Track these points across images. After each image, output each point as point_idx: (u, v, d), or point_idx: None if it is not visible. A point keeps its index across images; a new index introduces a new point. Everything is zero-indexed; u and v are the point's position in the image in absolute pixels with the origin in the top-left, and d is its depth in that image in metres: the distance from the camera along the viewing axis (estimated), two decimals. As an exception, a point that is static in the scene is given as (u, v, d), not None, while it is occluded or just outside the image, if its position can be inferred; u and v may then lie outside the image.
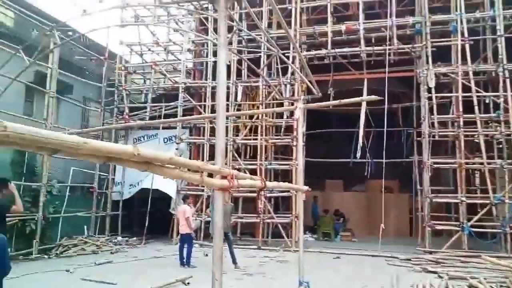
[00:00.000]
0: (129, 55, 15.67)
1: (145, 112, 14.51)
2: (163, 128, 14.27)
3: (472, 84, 11.40)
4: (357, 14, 12.88)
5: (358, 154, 12.87)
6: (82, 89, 14.46)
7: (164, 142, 13.97)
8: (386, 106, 11.55)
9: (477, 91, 11.51)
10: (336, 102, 9.08)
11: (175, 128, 13.74)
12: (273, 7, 7.54)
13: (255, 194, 11.52)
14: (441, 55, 12.22)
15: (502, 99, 11.17)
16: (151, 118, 14.19)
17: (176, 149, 13.03)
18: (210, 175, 3.10)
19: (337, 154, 15.63)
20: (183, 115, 13.57)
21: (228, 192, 3.05)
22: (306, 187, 5.91)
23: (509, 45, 11.44)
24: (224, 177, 2.96)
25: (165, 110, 14.09)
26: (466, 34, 11.67)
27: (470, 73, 11.46)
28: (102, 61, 14.50)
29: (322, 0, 13.44)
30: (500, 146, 11.60)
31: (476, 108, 11.34)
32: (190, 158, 13.51)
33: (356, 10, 13.15)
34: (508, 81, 11.17)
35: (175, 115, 13.60)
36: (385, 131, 11.52)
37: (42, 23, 12.13)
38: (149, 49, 15.46)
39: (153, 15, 15.37)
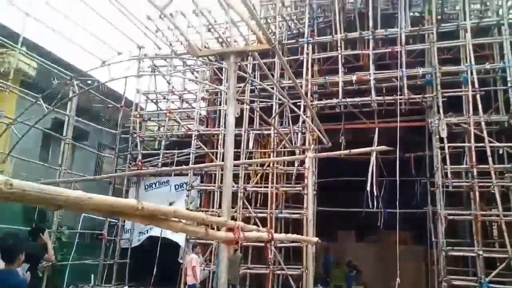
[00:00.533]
0: (145, 103, 16.10)
1: (158, 158, 14.68)
2: (175, 175, 14.36)
3: (485, 134, 11.32)
4: (368, 65, 13.12)
5: (370, 204, 12.65)
6: (97, 136, 14.79)
7: (175, 189, 14.01)
8: (398, 155, 11.51)
9: (490, 141, 11.41)
10: (346, 151, 9.17)
11: (186, 175, 13.81)
12: (281, 62, 7.73)
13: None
14: (453, 104, 12.26)
15: (516, 150, 11.05)
16: (164, 164, 14.32)
17: (187, 196, 13.02)
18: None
19: (349, 204, 15.38)
20: (195, 162, 13.68)
21: (234, 245, 3.02)
22: (316, 239, 5.80)
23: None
24: (230, 230, 2.93)
25: (177, 157, 14.24)
26: (476, 85, 11.76)
27: (482, 123, 11.43)
28: (119, 108, 14.91)
29: (333, 51, 13.78)
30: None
31: (490, 158, 11.20)
32: (200, 206, 13.47)
33: (366, 61, 13.42)
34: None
35: (187, 162, 13.71)
36: (397, 180, 11.41)
37: (62, 72, 12.65)
38: (164, 98, 15.90)
39: (169, 65, 15.94)
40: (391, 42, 13.41)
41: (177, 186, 14.09)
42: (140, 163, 14.49)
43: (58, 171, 11.62)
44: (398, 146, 11.48)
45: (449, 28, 13.01)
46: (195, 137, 14.02)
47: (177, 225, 2.42)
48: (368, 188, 12.37)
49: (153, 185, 14.38)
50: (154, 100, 16.04)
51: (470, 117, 11.59)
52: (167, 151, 14.66)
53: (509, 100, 11.44)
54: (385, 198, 13.12)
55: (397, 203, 11.19)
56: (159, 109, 16.21)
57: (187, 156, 14.07)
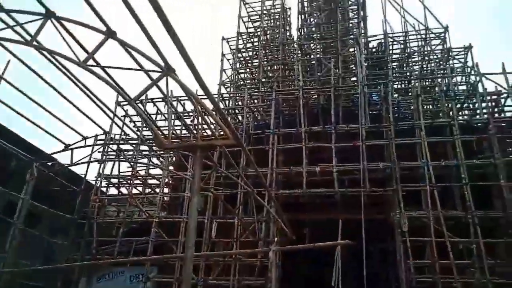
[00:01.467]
0: (106, 187, 15.69)
1: (114, 246, 13.93)
2: (131, 264, 13.56)
3: (444, 230, 11.57)
4: (331, 157, 13.55)
5: None
6: (52, 220, 14.03)
7: (130, 281, 13.11)
8: (364, 247, 11.47)
9: (450, 237, 11.63)
10: (310, 245, 9.07)
11: (143, 265, 13.08)
12: (247, 155, 7.86)
13: None
14: (413, 198, 12.63)
15: (474, 246, 11.27)
16: (120, 253, 13.58)
17: (142, 288, 12.22)
18: None
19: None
20: (155, 251, 13.07)
21: None
22: None
23: (478, 192, 12.00)
24: None
25: (136, 245, 13.58)
26: (433, 181, 12.28)
27: (441, 218, 11.73)
28: (77, 192, 14.41)
29: (297, 143, 14.23)
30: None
31: (450, 254, 11.32)
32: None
33: (330, 153, 13.87)
34: (478, 228, 11.43)
35: (146, 251, 13.07)
36: (364, 274, 11.25)
37: (22, 154, 12.30)
38: (127, 182, 15.58)
39: (136, 150, 15.88)
40: (352, 136, 14.06)
41: (132, 278, 13.21)
42: (94, 251, 13.67)
43: (5, 258, 10.79)
44: (363, 239, 11.51)
45: (405, 127, 13.86)
46: (156, 225, 13.55)
47: None
48: (336, 286, 12.05)
49: (107, 276, 13.41)
50: (116, 185, 15.68)
51: (429, 212, 11.91)
52: (124, 239, 13.98)
53: (465, 196, 11.92)
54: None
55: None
56: (120, 193, 15.78)
57: (146, 244, 13.45)
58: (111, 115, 14.99)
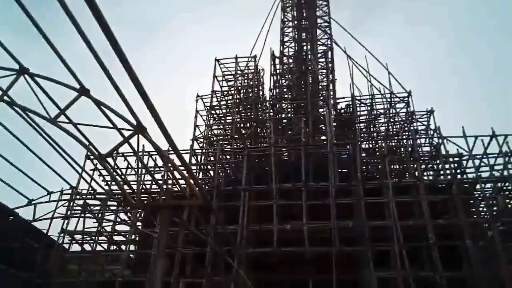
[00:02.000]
0: (69, 243, 15.03)
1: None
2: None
3: (413, 290, 11.56)
4: (302, 215, 13.57)
5: None
6: (8, 280, 13.17)
7: None
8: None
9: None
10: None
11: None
12: (214, 215, 7.83)
13: None
14: (383, 257, 12.65)
15: (443, 307, 11.26)
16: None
17: None
18: None
19: None
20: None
21: None
22: None
23: (446, 251, 12.17)
24: None
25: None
26: (401, 240, 12.42)
27: (410, 279, 11.75)
28: (37, 248, 13.73)
29: (268, 200, 14.26)
30: None
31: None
32: None
33: (300, 210, 13.92)
34: (446, 288, 11.50)
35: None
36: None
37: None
38: (92, 239, 14.99)
39: (103, 205, 15.47)
40: (322, 194, 14.23)
41: None
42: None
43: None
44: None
45: (373, 186, 14.18)
46: (119, 284, 12.93)
47: None
48: None
49: None
50: (80, 241, 15.05)
51: (398, 272, 11.93)
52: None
53: (433, 256, 12.06)
54: None
55: None
56: (83, 250, 15.11)
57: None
58: (79, 169, 14.70)
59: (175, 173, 7.66)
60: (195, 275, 13.09)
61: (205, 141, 19.85)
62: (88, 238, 15.07)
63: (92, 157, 15.97)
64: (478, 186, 13.98)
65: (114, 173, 15.89)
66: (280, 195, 14.35)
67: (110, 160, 15.88)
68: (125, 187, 14.29)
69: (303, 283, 12.96)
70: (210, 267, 12.84)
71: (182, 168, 6.73)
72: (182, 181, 10.80)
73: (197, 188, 6.34)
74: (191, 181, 6.21)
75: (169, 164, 6.45)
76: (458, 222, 12.64)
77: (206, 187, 15.96)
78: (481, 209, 14.65)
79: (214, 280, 12.27)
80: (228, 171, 17.42)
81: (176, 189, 13.61)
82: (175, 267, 12.81)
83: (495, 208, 13.80)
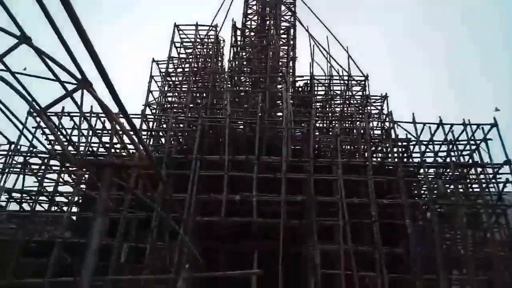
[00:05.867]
0: (6, 201, 14.24)
1: (7, 268, 12.46)
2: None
3: (353, 263, 12.01)
4: (252, 187, 13.61)
5: None
6: None
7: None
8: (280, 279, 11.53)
9: (358, 270, 12.06)
10: (221, 274, 8.87)
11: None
12: (160, 178, 7.58)
13: None
14: (327, 232, 13.02)
15: (379, 280, 11.80)
16: (17, 274, 12.18)
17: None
18: None
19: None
20: (57, 273, 11.89)
21: None
22: None
23: (385, 228, 12.70)
24: None
25: (35, 266, 12.28)
26: (346, 216, 12.81)
27: (351, 252, 12.19)
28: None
29: (219, 170, 14.14)
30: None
31: (357, 286, 11.72)
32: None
33: (251, 183, 13.94)
34: (384, 263, 12.05)
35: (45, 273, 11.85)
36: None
37: None
38: (31, 198, 14.25)
39: (44, 164, 14.70)
40: (274, 168, 14.32)
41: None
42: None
43: None
44: (280, 269, 11.56)
45: (324, 163, 14.44)
46: (59, 245, 12.43)
47: None
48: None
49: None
50: (19, 200, 14.29)
51: (340, 246, 12.33)
52: (23, 259, 12.59)
53: (374, 232, 12.56)
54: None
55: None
56: (22, 210, 14.37)
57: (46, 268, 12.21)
58: (20, 126, 13.81)
59: (123, 137, 7.30)
60: (139, 241, 12.84)
61: (158, 108, 19.31)
62: (28, 198, 14.33)
63: (34, 114, 15.09)
64: (421, 171, 14.64)
65: (58, 132, 15.14)
66: (232, 167, 14.28)
67: (55, 119, 15.10)
68: (70, 148, 13.67)
69: (249, 253, 13.07)
70: (155, 233, 12.62)
71: (127, 127, 6.45)
72: (129, 145, 10.45)
73: (141, 147, 6.07)
74: (135, 138, 5.93)
75: (114, 123, 6.12)
76: (400, 202, 13.18)
77: (157, 153, 15.58)
78: (422, 191, 15.36)
79: (158, 246, 12.08)
80: (181, 140, 17.06)
81: (124, 153, 13.18)
82: (118, 232, 12.49)
83: (435, 192, 14.50)
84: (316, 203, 13.21)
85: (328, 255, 12.63)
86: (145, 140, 16.39)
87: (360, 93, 19.66)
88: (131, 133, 6.49)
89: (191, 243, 10.83)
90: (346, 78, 19.82)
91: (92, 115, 14.62)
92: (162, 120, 18.12)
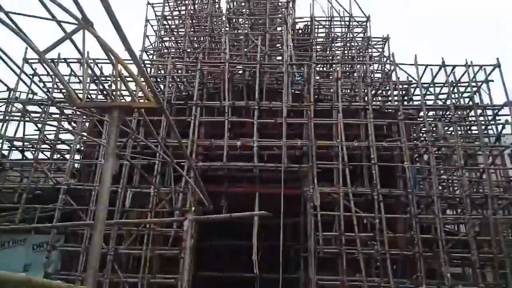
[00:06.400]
0: (9, 150, 14.34)
1: (16, 213, 12.84)
2: (35, 232, 12.63)
3: (352, 205, 12.36)
4: (252, 132, 13.68)
5: (256, 269, 12.59)
6: None
7: (33, 249, 12.25)
8: (282, 220, 11.93)
9: (356, 212, 12.45)
10: (227, 216, 9.13)
11: (48, 233, 12.26)
12: (169, 122, 7.61)
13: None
14: (326, 175, 13.26)
15: (377, 220, 12.20)
16: (22, 221, 12.56)
17: (46, 257, 11.48)
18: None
19: (227, 267, 15.08)
20: (62, 220, 12.28)
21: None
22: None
23: (382, 171, 12.94)
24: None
25: (40, 212, 12.65)
26: (346, 160, 12.99)
27: (350, 194, 12.51)
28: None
29: (220, 117, 14.13)
30: (377, 264, 12.34)
31: (355, 227, 12.16)
32: (61, 270, 11.95)
33: (251, 128, 14.00)
34: (382, 204, 12.38)
35: (51, 219, 12.24)
36: (281, 246, 11.74)
37: None
38: (33, 146, 14.36)
39: (44, 112, 14.66)
40: (274, 113, 14.32)
41: (35, 246, 12.32)
42: (-8, 218, 12.52)
43: None
44: (282, 211, 11.94)
45: (324, 107, 14.40)
46: (64, 192, 12.71)
47: None
48: (254, 255, 12.38)
49: (6, 244, 12.37)
50: (20, 148, 14.39)
51: (340, 188, 12.62)
52: (28, 205, 12.93)
53: (373, 175, 12.79)
54: (261, 263, 13.16)
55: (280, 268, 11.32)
56: (25, 158, 14.53)
57: (52, 213, 12.58)
58: (18, 72, 13.60)
59: (125, 77, 7.20)
60: (142, 186, 13.10)
61: (155, 53, 18.92)
62: (29, 146, 14.44)
63: (31, 60, 14.82)
64: (421, 113, 14.64)
65: (56, 78, 14.93)
66: (232, 112, 14.27)
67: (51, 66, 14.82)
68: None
69: (250, 198, 13.38)
70: (159, 178, 12.85)
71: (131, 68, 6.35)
72: (133, 87, 10.38)
73: (148, 89, 6.02)
74: (142, 80, 5.87)
75: (118, 64, 6.02)
76: (400, 145, 13.31)
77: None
78: (421, 134, 15.46)
79: (162, 191, 12.35)
80: (180, 85, 16.86)
81: (124, 100, 13.11)
82: (122, 177, 12.72)
83: (434, 134, 14.61)
84: (316, 147, 13.33)
85: (326, 199, 12.92)
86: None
87: (361, 35, 19.18)
88: (136, 74, 6.41)
89: (196, 186, 11.03)
90: (347, 19, 19.25)
91: (89, 61, 14.34)
92: (160, 66, 17.84)
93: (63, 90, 15.49)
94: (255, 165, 13.31)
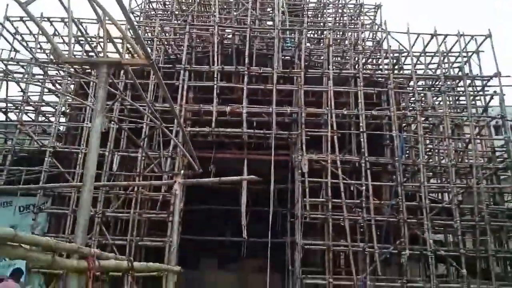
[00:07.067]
0: (-9, 111, 13.98)
1: (1, 175, 12.65)
2: (21, 195, 12.50)
3: (340, 172, 12.48)
4: (242, 98, 13.53)
5: (245, 233, 12.76)
6: None
7: (20, 212, 12.17)
8: (272, 185, 12.08)
9: (344, 179, 12.59)
10: (216, 179, 9.11)
11: (34, 195, 12.15)
12: (159, 81, 7.42)
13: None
14: (314, 143, 13.30)
15: (364, 187, 12.37)
16: (8, 183, 12.41)
17: (33, 219, 11.42)
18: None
19: (214, 232, 15.29)
20: (48, 182, 12.15)
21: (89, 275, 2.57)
22: (179, 268, 5.48)
23: (370, 140, 13.02)
24: (83, 258, 2.52)
25: (25, 175, 12.49)
26: (335, 127, 13.01)
27: (338, 162, 12.60)
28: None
29: (209, 81, 13.91)
30: (362, 230, 12.61)
31: (342, 194, 12.32)
32: (48, 231, 11.92)
33: (240, 94, 13.84)
34: (369, 171, 12.52)
35: (37, 182, 12.10)
36: (270, 211, 11.90)
37: None
38: (17, 107, 14.00)
39: (27, 73, 14.24)
40: (264, 79, 14.15)
41: (22, 208, 12.23)
42: (-24, 180, 12.31)
43: None
44: (272, 177, 12.02)
45: (314, 74, 14.26)
46: (50, 154, 12.52)
47: (16, 251, 1.95)
48: (244, 219, 12.49)
49: (-9, 206, 12.28)
50: (4, 109, 14.03)
51: (328, 155, 12.69)
52: (12, 168, 12.74)
53: (361, 143, 12.86)
54: (248, 227, 13.33)
55: (269, 233, 11.48)
56: (8, 119, 14.20)
57: (38, 175, 12.43)
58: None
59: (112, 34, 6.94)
60: (130, 150, 12.97)
61: (142, 14, 18.35)
62: (13, 107, 14.08)
63: (11, 18, 14.26)
64: (411, 83, 14.63)
65: (39, 37, 14.43)
66: (221, 77, 14.05)
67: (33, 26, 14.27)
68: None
69: (238, 165, 13.37)
70: (146, 142, 12.73)
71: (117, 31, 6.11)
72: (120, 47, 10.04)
73: (138, 46, 5.82)
74: (130, 35, 5.64)
75: (107, 18, 5.77)
76: (389, 113, 13.34)
77: (144, 63, 15.08)
78: (410, 103, 15.50)
79: (150, 155, 12.23)
80: (168, 48, 16.46)
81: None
82: (110, 141, 12.57)
83: (422, 104, 14.67)
84: (305, 114, 13.28)
85: (315, 166, 13.00)
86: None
87: (353, 1, 18.85)
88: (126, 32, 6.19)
89: (185, 150, 10.94)
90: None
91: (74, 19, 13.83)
92: (147, 28, 17.34)
93: (47, 51, 15.03)
94: (244, 132, 13.24)
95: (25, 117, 14.06)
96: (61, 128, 14.03)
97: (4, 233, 1.92)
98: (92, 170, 3.54)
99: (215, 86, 13.64)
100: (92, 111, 12.37)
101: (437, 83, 15.08)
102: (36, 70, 14.57)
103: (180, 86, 13.57)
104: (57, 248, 2.17)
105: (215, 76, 13.77)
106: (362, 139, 12.89)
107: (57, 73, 14.82)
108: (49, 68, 14.65)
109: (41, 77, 14.67)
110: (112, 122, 11.66)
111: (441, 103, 14.52)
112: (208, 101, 13.63)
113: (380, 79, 14.47)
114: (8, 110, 14.05)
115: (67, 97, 13.51)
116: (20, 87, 14.07)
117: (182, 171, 10.43)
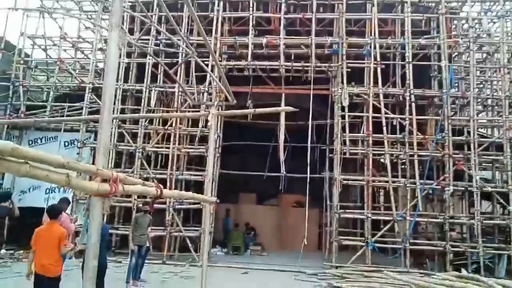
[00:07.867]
0: (31, 48, 14.13)
1: (45, 112, 13.06)
2: (65, 130, 12.93)
3: (382, 106, 11.92)
4: (279, 30, 12.90)
5: (283, 168, 12.76)
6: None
7: (65, 146, 12.66)
8: (310, 122, 11.86)
9: (386, 113, 12.05)
10: (251, 111, 8.91)
11: (78, 131, 12.53)
12: (191, 13, 7.02)
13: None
14: (355, 76, 12.66)
15: (407, 122, 11.80)
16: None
17: (78, 154, 11.86)
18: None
19: (252, 168, 15.43)
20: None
21: (108, 199, 2.48)
22: (214, 198, 5.46)
23: (416, 71, 12.20)
24: (105, 181, 2.41)
25: (68, 111, 12.82)
26: (378, 58, 12.23)
27: (381, 95, 11.99)
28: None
29: (244, 12, 13.29)
30: (404, 166, 12.23)
31: (384, 128, 11.85)
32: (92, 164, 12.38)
33: (277, 25, 13.18)
34: (413, 105, 11.86)
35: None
36: (308, 147, 11.71)
37: None
38: (55, 44, 14.09)
39: (63, 8, 14.12)
40: (302, 8, 13.33)
41: (67, 143, 12.72)
42: (22, 115, 12.78)
43: None
44: (311, 113, 11.70)
45: (357, 1, 13.23)
46: (90, 90, 12.69)
47: (20, 168, 1.80)
48: (282, 155, 12.44)
49: (39, 141, 12.81)
50: (43, 47, 14.16)
51: (370, 89, 12.08)
52: (56, 104, 13.09)
53: (406, 75, 12.09)
54: (286, 163, 13.30)
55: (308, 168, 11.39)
56: (48, 57, 14.36)
57: (79, 111, 12.73)
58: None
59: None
60: (167, 85, 12.90)
61: None
62: (52, 44, 14.17)
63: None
64: (465, 7, 13.33)
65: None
66: (257, 7, 13.34)
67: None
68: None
69: (276, 95, 13.04)
70: (183, 77, 12.56)
71: None
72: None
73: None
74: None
75: None
76: (438, 42, 12.34)
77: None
78: (462, 32, 14.22)
79: (186, 90, 12.11)
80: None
81: None
82: (146, 76, 12.51)
83: (477, 31, 13.43)
84: (346, 45, 12.52)
85: (355, 100, 12.46)
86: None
87: None
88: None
89: (221, 83, 10.70)
90: None
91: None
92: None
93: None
94: (281, 64, 12.75)
95: (64, 55, 14.18)
96: (99, 64, 14.05)
97: (56, 160, 1.84)
98: (111, 86, 3.28)
99: (251, 17, 13.02)
100: (128, 47, 12.22)
101: (494, 6, 13.62)
102: (72, 4, 14.39)
103: (215, 17, 13.04)
104: (70, 168, 2.03)
105: (251, 5, 13.08)
106: (407, 70, 12.09)
107: (93, 8, 14.60)
108: (84, 4, 14.44)
109: (77, 12, 14.52)
110: (148, 56, 11.49)
111: (498, 29, 13.20)
112: (244, 33, 13.09)
113: (430, 3, 13.24)
114: (47, 47, 14.17)
115: (103, 32, 13.36)
116: (57, 24, 14.02)
117: (215, 102, 10.27)
